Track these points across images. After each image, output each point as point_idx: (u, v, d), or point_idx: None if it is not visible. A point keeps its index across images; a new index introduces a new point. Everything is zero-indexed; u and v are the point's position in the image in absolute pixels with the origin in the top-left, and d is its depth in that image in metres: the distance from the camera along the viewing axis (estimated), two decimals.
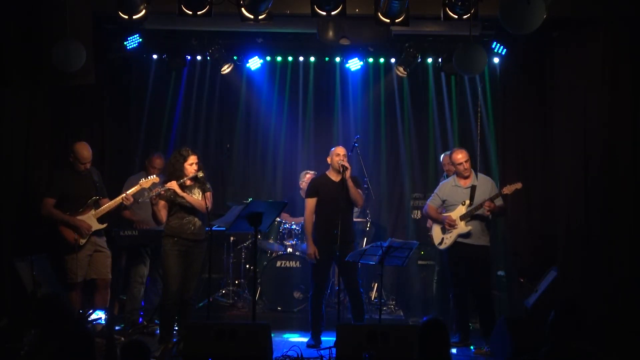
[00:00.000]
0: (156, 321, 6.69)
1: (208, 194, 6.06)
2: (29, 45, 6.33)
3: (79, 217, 6.22)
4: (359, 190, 6.52)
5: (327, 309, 6.77)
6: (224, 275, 8.09)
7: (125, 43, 7.41)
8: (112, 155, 7.96)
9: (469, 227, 6.48)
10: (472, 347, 6.39)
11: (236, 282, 7.99)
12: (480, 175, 6.73)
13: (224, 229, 6.60)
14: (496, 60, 8.09)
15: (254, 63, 8.28)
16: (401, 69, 8.11)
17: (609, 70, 6.64)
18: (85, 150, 6.26)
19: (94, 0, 6.41)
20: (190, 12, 5.90)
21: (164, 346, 5.87)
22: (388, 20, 5.98)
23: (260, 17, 5.97)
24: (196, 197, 6.01)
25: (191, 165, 5.99)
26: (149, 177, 6.41)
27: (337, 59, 8.49)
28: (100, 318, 6.05)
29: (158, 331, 6.31)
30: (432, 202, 6.78)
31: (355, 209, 7.04)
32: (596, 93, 6.75)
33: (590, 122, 6.84)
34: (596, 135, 6.76)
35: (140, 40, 7.44)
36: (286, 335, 6.85)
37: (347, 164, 6.32)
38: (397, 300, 7.95)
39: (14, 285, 6.16)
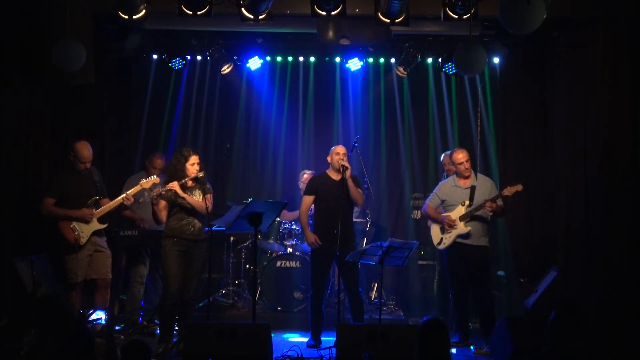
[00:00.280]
0: (156, 321, 6.69)
1: (209, 195, 6.05)
2: (29, 45, 6.33)
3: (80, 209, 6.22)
4: (359, 190, 6.52)
5: (327, 309, 6.77)
6: (224, 275, 8.09)
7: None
8: (112, 155, 7.96)
9: (469, 228, 6.47)
10: (472, 347, 6.39)
11: (236, 282, 7.99)
12: (480, 175, 6.73)
13: (224, 229, 6.61)
14: (496, 60, 8.10)
15: (254, 63, 8.29)
16: (401, 69, 8.11)
17: (609, 70, 6.64)
18: (85, 150, 6.26)
19: (94, 0, 6.41)
20: (190, 12, 5.90)
21: (164, 346, 5.88)
22: (388, 20, 5.98)
23: (260, 17, 5.97)
24: (197, 198, 6.00)
25: (192, 165, 5.99)
26: (150, 178, 6.40)
27: (337, 59, 8.50)
28: (100, 318, 6.05)
29: (158, 331, 6.31)
30: (431, 202, 6.77)
31: (355, 209, 7.04)
32: (596, 93, 6.75)
33: (590, 122, 6.84)
34: (596, 135, 6.76)
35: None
36: (286, 335, 6.85)
37: (347, 164, 6.32)
38: (397, 300, 7.94)
39: (14, 285, 6.16)
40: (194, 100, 8.63)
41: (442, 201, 6.69)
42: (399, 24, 6.02)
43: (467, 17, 5.85)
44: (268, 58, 8.47)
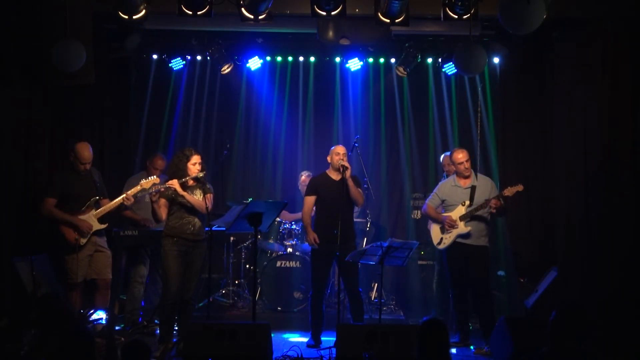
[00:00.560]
0: (156, 321, 6.69)
1: (209, 195, 6.05)
2: (29, 45, 6.33)
3: (80, 217, 6.22)
4: (360, 190, 6.51)
5: (327, 309, 6.77)
6: (224, 275, 8.09)
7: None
8: (112, 155, 7.96)
9: (469, 228, 6.47)
10: (472, 347, 6.39)
11: (236, 282, 7.99)
12: (480, 175, 6.73)
13: (224, 229, 6.60)
14: (496, 60, 8.10)
15: (254, 63, 8.29)
16: (401, 69, 8.12)
17: (609, 70, 6.63)
18: (86, 151, 6.26)
19: (94, 0, 6.41)
20: (190, 12, 5.89)
21: (164, 346, 5.88)
22: (388, 20, 5.98)
23: (260, 17, 5.97)
24: (197, 197, 6.00)
25: (194, 165, 5.99)
26: (150, 178, 6.40)
27: (337, 59, 8.50)
28: (100, 318, 6.05)
29: (158, 331, 6.31)
30: (431, 202, 6.77)
31: (356, 209, 7.04)
32: (596, 93, 6.75)
33: (590, 122, 6.84)
34: (596, 135, 6.76)
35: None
36: (286, 335, 6.85)
37: (347, 164, 6.31)
38: (397, 300, 7.94)
39: (14, 285, 6.16)
40: (194, 100, 8.62)
41: (442, 201, 6.69)
42: (399, 24, 6.02)
43: (467, 17, 5.85)
44: (268, 58, 8.47)
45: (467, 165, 6.56)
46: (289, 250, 7.63)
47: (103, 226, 6.34)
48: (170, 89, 8.54)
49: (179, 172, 5.97)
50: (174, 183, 5.90)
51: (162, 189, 5.95)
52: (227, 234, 7.68)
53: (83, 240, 6.19)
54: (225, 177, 8.59)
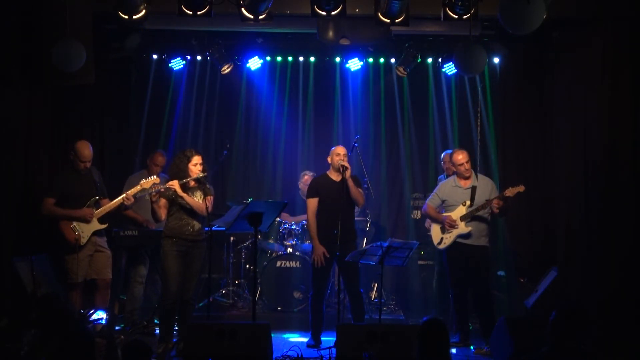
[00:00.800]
0: (156, 321, 6.69)
1: (209, 197, 6.03)
2: (29, 45, 6.33)
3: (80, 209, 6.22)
4: (360, 190, 6.51)
5: (327, 309, 6.77)
6: (224, 275, 8.09)
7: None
8: (112, 155, 7.97)
9: (469, 228, 6.48)
10: (472, 347, 6.39)
11: (236, 282, 7.99)
12: (480, 176, 6.73)
13: (224, 229, 6.61)
14: (496, 60, 8.10)
15: (254, 63, 8.29)
16: (401, 69, 8.12)
17: (609, 70, 6.63)
18: (86, 149, 6.26)
19: (94, 0, 6.41)
20: (190, 12, 5.89)
21: (164, 346, 5.88)
22: (388, 20, 5.98)
23: (260, 17, 5.97)
24: (197, 199, 5.98)
25: (195, 165, 5.98)
26: (150, 178, 6.40)
27: (337, 59, 8.49)
28: (100, 318, 6.05)
29: (158, 331, 6.31)
30: (432, 202, 6.77)
31: (356, 209, 7.04)
32: (596, 93, 6.75)
33: (590, 122, 6.84)
34: (596, 135, 6.76)
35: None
36: (286, 335, 6.85)
37: (347, 164, 6.31)
38: (397, 300, 7.95)
39: (14, 285, 6.16)
40: (194, 100, 8.63)
41: (443, 201, 6.69)
42: (399, 24, 6.02)
43: (467, 17, 5.85)
44: (268, 58, 8.47)
45: (468, 166, 6.57)
46: (289, 250, 7.63)
47: (103, 226, 6.34)
48: (170, 89, 8.53)
49: (180, 173, 5.96)
50: (174, 184, 5.89)
51: (162, 189, 5.95)
52: (227, 234, 7.68)
53: (83, 240, 6.19)
54: (225, 177, 8.59)
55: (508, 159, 8.22)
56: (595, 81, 6.75)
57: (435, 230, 6.72)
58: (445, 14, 5.89)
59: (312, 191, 6.56)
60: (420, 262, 7.85)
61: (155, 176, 6.47)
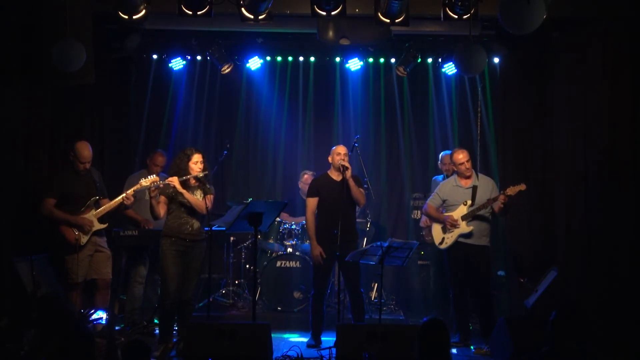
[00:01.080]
0: (156, 321, 6.69)
1: (210, 196, 6.03)
2: (29, 45, 6.33)
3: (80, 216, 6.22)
4: (361, 189, 6.51)
5: (327, 309, 6.77)
6: (224, 275, 8.09)
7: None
8: (112, 155, 7.96)
9: (471, 227, 6.48)
10: (472, 347, 6.39)
11: (236, 282, 7.99)
12: (480, 175, 6.73)
13: (224, 229, 6.61)
14: (496, 60, 8.10)
15: (254, 63, 8.29)
16: (401, 69, 8.12)
17: (609, 70, 6.64)
18: (85, 150, 6.26)
19: (94, 0, 6.41)
20: (190, 12, 5.89)
21: (164, 346, 5.87)
22: (388, 20, 5.98)
23: (260, 17, 5.97)
24: (197, 198, 5.99)
25: (196, 164, 5.97)
26: (150, 177, 6.40)
27: (337, 59, 8.50)
28: (100, 318, 6.05)
29: (158, 331, 6.31)
30: (432, 202, 6.77)
31: (356, 209, 7.04)
32: (596, 93, 6.75)
33: (590, 123, 6.84)
34: (596, 135, 6.76)
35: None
36: (286, 335, 6.85)
37: (347, 164, 6.31)
38: (397, 300, 7.95)
39: (14, 285, 6.16)
40: (194, 100, 8.64)
41: (444, 201, 6.69)
42: (399, 24, 6.02)
43: (467, 17, 5.85)
44: (268, 58, 8.48)
45: (468, 165, 6.57)
46: (289, 250, 7.63)
47: (103, 226, 6.34)
48: (170, 89, 8.54)
49: (181, 171, 5.96)
50: (174, 180, 5.88)
51: (162, 185, 5.94)
52: (227, 234, 7.69)
53: (83, 240, 6.19)
54: (225, 177, 8.59)
55: (508, 159, 8.22)
56: (595, 81, 6.75)
57: (436, 230, 6.72)
58: (445, 14, 5.89)
59: (313, 191, 6.56)
60: (420, 262, 7.85)
61: (155, 175, 6.47)
